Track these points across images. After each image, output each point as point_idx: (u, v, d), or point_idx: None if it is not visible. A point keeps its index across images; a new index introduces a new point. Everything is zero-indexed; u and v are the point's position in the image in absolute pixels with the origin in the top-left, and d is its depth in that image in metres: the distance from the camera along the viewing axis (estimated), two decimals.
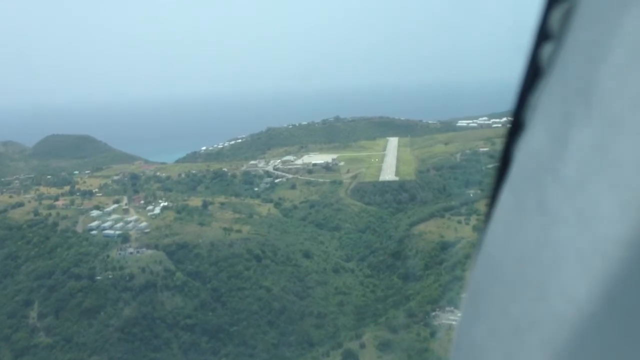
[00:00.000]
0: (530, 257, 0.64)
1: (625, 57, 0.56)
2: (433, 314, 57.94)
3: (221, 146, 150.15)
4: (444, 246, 68.87)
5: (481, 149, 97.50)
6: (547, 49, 0.79)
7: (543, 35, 0.81)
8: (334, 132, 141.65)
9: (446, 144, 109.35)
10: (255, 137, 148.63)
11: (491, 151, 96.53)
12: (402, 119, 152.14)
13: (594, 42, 0.63)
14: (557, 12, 0.76)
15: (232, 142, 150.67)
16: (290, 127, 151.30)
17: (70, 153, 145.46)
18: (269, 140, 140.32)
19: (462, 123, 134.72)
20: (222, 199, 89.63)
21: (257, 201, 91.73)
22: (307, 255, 74.09)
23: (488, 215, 0.85)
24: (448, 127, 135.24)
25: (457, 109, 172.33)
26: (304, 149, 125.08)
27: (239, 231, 75.34)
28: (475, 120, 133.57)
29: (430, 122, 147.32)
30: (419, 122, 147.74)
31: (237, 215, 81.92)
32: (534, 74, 0.84)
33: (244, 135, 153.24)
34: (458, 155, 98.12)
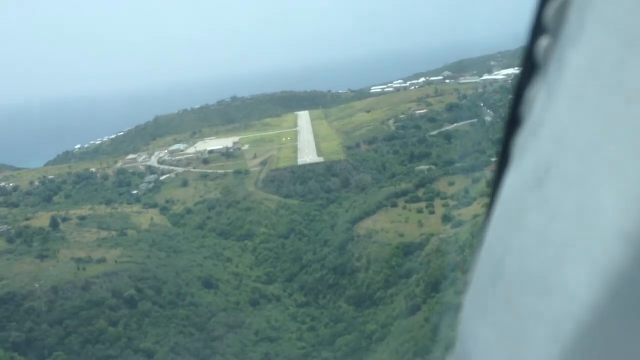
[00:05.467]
0: (532, 253, 0.63)
1: (620, 51, 0.55)
2: None
3: (99, 142, 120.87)
4: (408, 249, 44.90)
5: (417, 112, 74.38)
6: (542, 43, 0.77)
7: (538, 30, 0.78)
8: (232, 112, 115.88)
9: (368, 111, 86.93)
10: (140, 128, 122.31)
11: (429, 113, 73.67)
12: (308, 90, 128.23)
13: (589, 36, 0.61)
14: (552, 6, 0.73)
15: (113, 137, 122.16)
16: (181, 112, 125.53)
17: None
18: (156, 130, 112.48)
19: (376, 89, 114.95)
20: (84, 210, 61.00)
21: (135, 208, 64.53)
22: (208, 284, 47.82)
23: (489, 212, 0.83)
24: (361, 94, 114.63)
25: (364, 79, 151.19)
26: (197, 134, 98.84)
27: (101, 260, 47.90)
28: (390, 85, 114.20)
29: (340, 91, 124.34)
30: (327, 93, 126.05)
31: (102, 234, 54.27)
32: (530, 69, 0.81)
33: (127, 128, 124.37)
34: (391, 123, 74.44)
